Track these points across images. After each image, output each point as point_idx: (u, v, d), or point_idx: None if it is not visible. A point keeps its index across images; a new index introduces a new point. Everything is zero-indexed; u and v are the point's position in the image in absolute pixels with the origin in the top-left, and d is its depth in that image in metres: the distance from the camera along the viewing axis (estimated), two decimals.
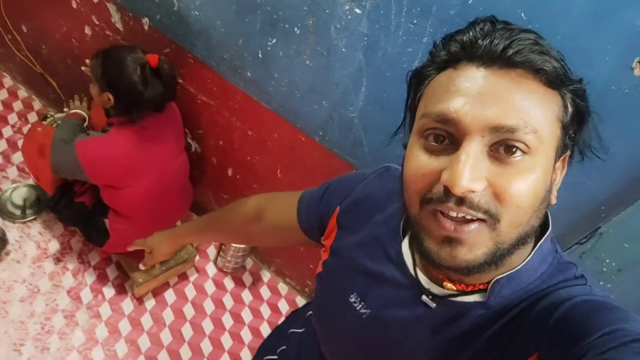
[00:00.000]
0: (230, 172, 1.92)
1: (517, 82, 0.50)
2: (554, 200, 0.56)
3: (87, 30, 1.85)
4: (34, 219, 2.02)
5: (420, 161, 0.54)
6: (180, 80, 1.73)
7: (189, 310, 2.02)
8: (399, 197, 0.59)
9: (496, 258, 0.53)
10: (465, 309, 0.60)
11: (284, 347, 1.01)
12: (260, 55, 1.46)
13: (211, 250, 2.19)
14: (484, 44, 0.51)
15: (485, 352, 0.58)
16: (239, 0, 1.37)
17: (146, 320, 1.94)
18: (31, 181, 2.08)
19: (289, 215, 0.88)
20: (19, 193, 2.02)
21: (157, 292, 2.02)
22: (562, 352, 0.48)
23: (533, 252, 0.59)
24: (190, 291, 2.07)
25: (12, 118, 2.30)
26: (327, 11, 1.24)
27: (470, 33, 0.53)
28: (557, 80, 0.52)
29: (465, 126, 0.50)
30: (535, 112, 0.50)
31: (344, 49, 1.28)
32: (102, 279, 1.98)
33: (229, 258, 2.06)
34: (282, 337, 1.03)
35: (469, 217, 0.50)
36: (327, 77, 1.36)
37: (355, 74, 1.30)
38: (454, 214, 0.51)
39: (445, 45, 0.55)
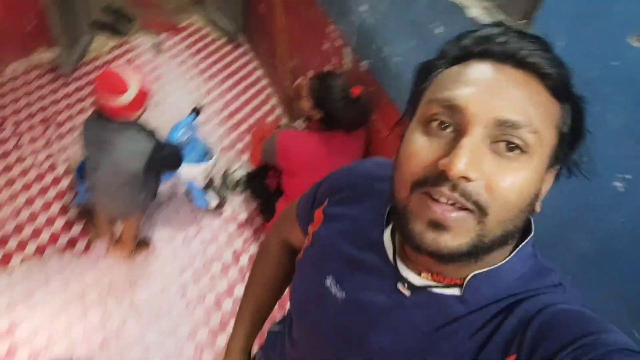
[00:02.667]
0: None
1: (525, 83, 0.52)
2: (538, 208, 0.57)
3: (326, 68, 2.39)
4: (241, 193, 2.62)
5: (420, 144, 0.54)
6: (375, 117, 2.08)
7: None
8: (390, 183, 0.59)
9: (477, 251, 0.53)
10: (440, 300, 0.60)
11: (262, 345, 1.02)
12: None
13: None
14: (499, 41, 0.53)
15: (462, 346, 0.58)
16: (428, 49, 1.63)
17: None
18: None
19: (295, 227, 0.89)
20: (240, 172, 2.65)
21: None
22: (542, 357, 0.49)
23: (513, 254, 0.59)
24: None
25: None
26: None
27: (486, 30, 0.55)
28: (560, 90, 0.54)
29: (471, 114, 0.51)
30: (538, 113, 0.51)
31: None
32: None
33: None
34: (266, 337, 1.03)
35: (458, 205, 0.51)
36: None
37: None
38: (444, 200, 0.51)
39: (458, 41, 0.57)
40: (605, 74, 0.98)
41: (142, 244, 2.35)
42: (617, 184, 1.02)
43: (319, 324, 0.72)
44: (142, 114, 1.90)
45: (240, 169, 2.67)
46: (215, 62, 3.32)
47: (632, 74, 0.96)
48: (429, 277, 0.61)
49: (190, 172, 2.25)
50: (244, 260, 2.37)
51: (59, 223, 2.40)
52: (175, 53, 3.34)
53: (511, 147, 0.51)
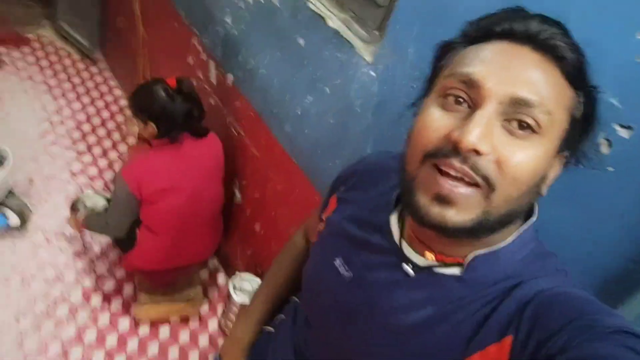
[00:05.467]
0: (257, 227, 2.00)
1: (542, 65, 0.53)
2: (544, 192, 0.58)
3: (194, 83, 2.23)
4: None
5: (434, 116, 0.55)
6: (242, 132, 1.95)
7: (174, 352, 1.99)
8: (400, 163, 0.60)
9: (481, 228, 0.54)
10: (441, 280, 0.62)
11: (271, 329, 1.00)
12: (299, 112, 1.61)
13: (221, 308, 2.19)
14: (521, 23, 0.54)
15: (460, 326, 0.59)
16: (292, 59, 1.58)
17: (132, 344, 1.96)
18: (108, 195, 2.40)
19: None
20: (93, 200, 2.33)
21: (155, 324, 2.05)
22: (539, 338, 0.50)
23: (514, 236, 0.60)
24: (184, 336, 2.05)
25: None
26: (350, 72, 1.37)
27: (508, 13, 0.56)
28: (575, 75, 0.54)
29: (488, 90, 0.52)
30: (553, 95, 0.52)
31: (358, 109, 1.37)
32: (116, 292, 2.10)
33: (231, 318, 2.04)
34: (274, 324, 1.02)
35: (467, 179, 0.52)
36: (343, 136, 1.44)
37: (364, 133, 1.37)
38: (453, 173, 0.52)
39: (480, 22, 0.58)
40: None
41: None
42: None
43: (328, 303, 0.75)
44: None
45: (94, 196, 2.36)
46: (66, 79, 2.96)
47: None
48: (432, 258, 0.62)
49: None
50: (96, 301, 2.05)
51: None
52: (20, 67, 2.93)
53: (523, 125, 0.51)
